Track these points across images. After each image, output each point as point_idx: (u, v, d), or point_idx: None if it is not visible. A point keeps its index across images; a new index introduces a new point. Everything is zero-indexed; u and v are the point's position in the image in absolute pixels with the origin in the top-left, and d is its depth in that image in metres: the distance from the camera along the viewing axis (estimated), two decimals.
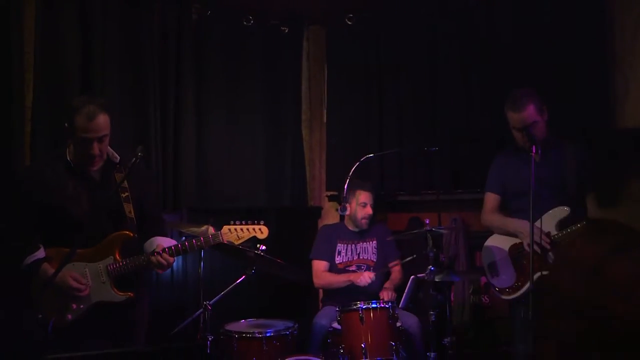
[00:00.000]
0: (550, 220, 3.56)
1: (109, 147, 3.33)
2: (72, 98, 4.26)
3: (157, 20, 4.89)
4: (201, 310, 3.80)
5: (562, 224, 3.56)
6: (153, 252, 3.30)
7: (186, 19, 5.05)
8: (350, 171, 4.52)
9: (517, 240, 3.74)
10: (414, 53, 5.25)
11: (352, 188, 4.57)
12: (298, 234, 5.42)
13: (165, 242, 3.41)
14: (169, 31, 4.96)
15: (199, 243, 3.41)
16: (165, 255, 3.30)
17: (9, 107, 4.23)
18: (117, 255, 3.30)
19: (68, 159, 3.31)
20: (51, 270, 3.13)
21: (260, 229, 3.55)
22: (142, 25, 4.81)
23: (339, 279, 4.58)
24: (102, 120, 3.20)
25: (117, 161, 3.38)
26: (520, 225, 3.66)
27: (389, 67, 5.36)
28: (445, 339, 4.01)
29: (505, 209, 3.90)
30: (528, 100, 3.61)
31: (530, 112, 3.60)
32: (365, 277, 4.41)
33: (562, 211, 3.58)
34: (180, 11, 5.02)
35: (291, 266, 4.10)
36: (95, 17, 4.58)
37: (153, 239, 3.44)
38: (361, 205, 4.67)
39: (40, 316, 3.18)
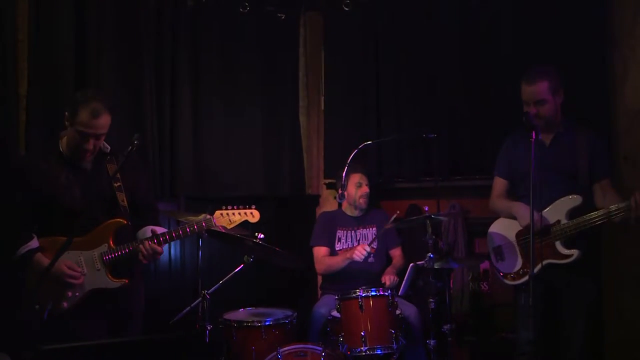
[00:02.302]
0: (561, 208, 3.55)
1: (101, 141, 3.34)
2: (70, 89, 4.35)
3: (153, 7, 4.84)
4: (200, 299, 3.80)
5: (572, 213, 3.54)
6: (147, 239, 3.31)
7: (182, 5, 5.00)
8: (348, 158, 4.51)
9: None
10: (411, 38, 5.21)
11: (347, 173, 4.56)
12: (296, 222, 5.40)
13: (159, 231, 3.42)
14: (165, 18, 4.92)
15: (191, 229, 3.43)
16: (153, 245, 3.31)
17: (3, 95, 4.20)
18: (111, 243, 3.32)
19: (60, 149, 3.31)
20: (44, 260, 3.15)
21: (251, 213, 3.60)
22: (138, 12, 4.77)
23: (337, 260, 4.57)
24: (105, 120, 3.23)
25: (108, 151, 3.40)
26: (521, 209, 3.65)
27: (386, 52, 5.32)
28: (445, 326, 4.02)
29: (512, 193, 3.87)
30: (543, 76, 3.60)
31: (541, 87, 3.58)
32: (360, 250, 4.38)
33: (575, 200, 3.56)
34: None
35: (290, 254, 4.08)
36: (90, 5, 4.54)
37: (146, 227, 3.46)
38: (356, 185, 4.67)
39: (37, 307, 3.18)
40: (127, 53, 4.73)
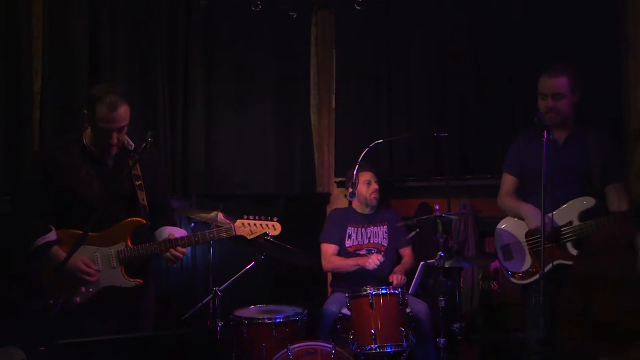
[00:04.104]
0: (573, 209, 3.54)
1: (125, 135, 3.33)
2: (84, 86, 4.35)
3: (166, 5, 4.87)
4: (211, 296, 3.84)
5: (584, 215, 3.53)
6: (166, 242, 3.31)
7: (194, 4, 5.03)
8: (359, 157, 4.51)
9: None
10: (422, 37, 5.21)
11: (357, 172, 4.58)
12: (307, 220, 5.41)
13: (176, 232, 3.43)
14: (178, 16, 4.94)
15: (212, 235, 3.43)
16: (179, 248, 3.33)
17: (17, 93, 4.23)
18: (128, 242, 3.31)
19: (84, 143, 3.31)
20: (61, 253, 3.15)
21: (273, 225, 3.57)
22: (151, 10, 4.79)
23: (348, 263, 4.58)
24: (123, 110, 3.21)
25: (132, 149, 3.38)
26: (530, 211, 3.64)
27: (397, 51, 5.32)
28: (455, 325, 4.03)
29: (521, 191, 3.87)
30: (564, 71, 3.61)
31: (562, 82, 3.58)
32: (374, 259, 4.40)
33: (588, 201, 3.54)
34: None
35: (300, 252, 4.10)
36: (104, 3, 4.56)
37: (163, 228, 3.46)
38: (365, 183, 4.69)
39: (51, 301, 3.20)
40: (140, 51, 4.75)
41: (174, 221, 3.60)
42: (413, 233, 4.56)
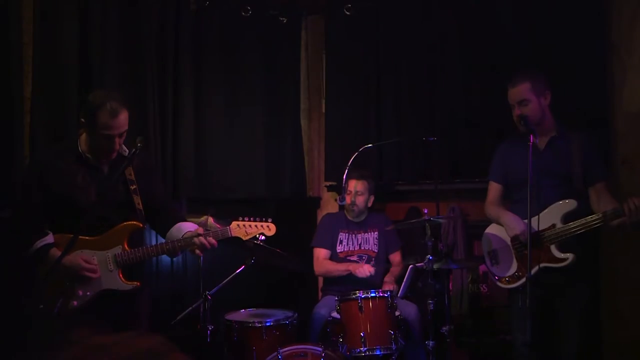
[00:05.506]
0: (556, 212, 3.57)
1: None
2: (74, 91, 4.35)
3: (156, 10, 4.88)
4: (201, 300, 3.84)
5: (567, 217, 3.56)
6: (197, 234, 3.36)
7: (184, 9, 5.05)
8: (349, 161, 4.54)
9: None
10: (412, 42, 5.25)
11: (346, 178, 4.59)
12: (297, 224, 5.43)
13: (190, 227, 3.47)
14: (168, 21, 4.95)
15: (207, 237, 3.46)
16: (210, 238, 3.37)
17: (8, 98, 4.24)
18: (125, 245, 3.33)
19: (79, 150, 3.33)
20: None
21: (268, 226, 3.61)
22: (141, 15, 4.80)
23: (339, 268, 4.60)
24: (124, 117, 3.25)
25: (127, 154, 3.39)
26: (509, 218, 3.69)
27: (387, 56, 5.36)
28: (444, 328, 4.05)
29: (508, 198, 3.91)
30: (525, 77, 3.64)
31: (523, 88, 3.62)
32: (365, 270, 4.42)
33: (570, 204, 3.57)
34: (178, 1, 5.01)
35: (290, 256, 4.12)
36: (94, 7, 4.58)
37: (179, 225, 3.49)
38: (348, 193, 4.68)
39: (41, 307, 3.20)
40: (131, 56, 4.77)
41: (183, 217, 3.64)
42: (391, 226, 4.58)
